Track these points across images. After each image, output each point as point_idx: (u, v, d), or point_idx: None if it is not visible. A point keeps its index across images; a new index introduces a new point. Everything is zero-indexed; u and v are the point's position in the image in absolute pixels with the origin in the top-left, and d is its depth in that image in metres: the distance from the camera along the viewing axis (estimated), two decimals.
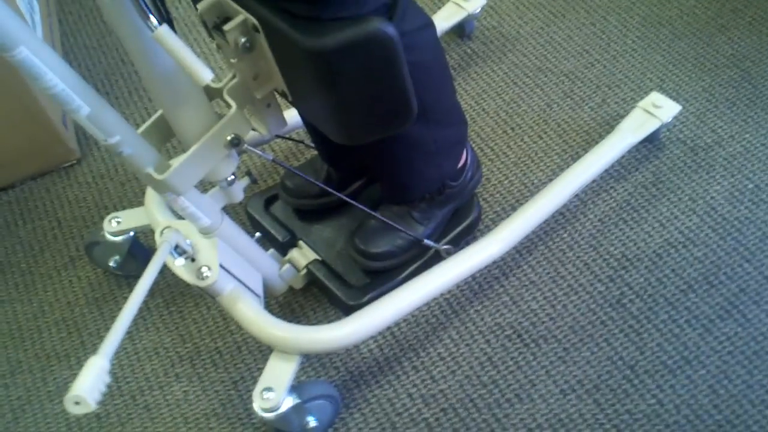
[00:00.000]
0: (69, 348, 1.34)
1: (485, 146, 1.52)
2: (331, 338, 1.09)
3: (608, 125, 1.51)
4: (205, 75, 0.78)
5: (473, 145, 1.51)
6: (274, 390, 1.05)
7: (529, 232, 1.26)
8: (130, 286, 1.37)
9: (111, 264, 1.34)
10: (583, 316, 1.27)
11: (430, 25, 1.00)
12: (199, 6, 0.90)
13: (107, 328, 1.34)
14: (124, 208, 1.48)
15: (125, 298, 1.35)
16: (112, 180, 1.57)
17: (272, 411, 1.04)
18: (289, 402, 1.06)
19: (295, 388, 1.09)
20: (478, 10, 1.65)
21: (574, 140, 1.51)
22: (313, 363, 1.27)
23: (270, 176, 1.52)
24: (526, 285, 1.32)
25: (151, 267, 0.99)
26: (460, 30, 1.70)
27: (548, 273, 1.33)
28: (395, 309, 1.13)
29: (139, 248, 1.34)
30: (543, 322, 1.27)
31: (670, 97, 1.48)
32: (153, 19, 0.77)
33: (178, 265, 1.05)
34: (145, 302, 1.34)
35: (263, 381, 1.06)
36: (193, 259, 1.06)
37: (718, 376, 1.18)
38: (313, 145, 1.35)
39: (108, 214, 1.29)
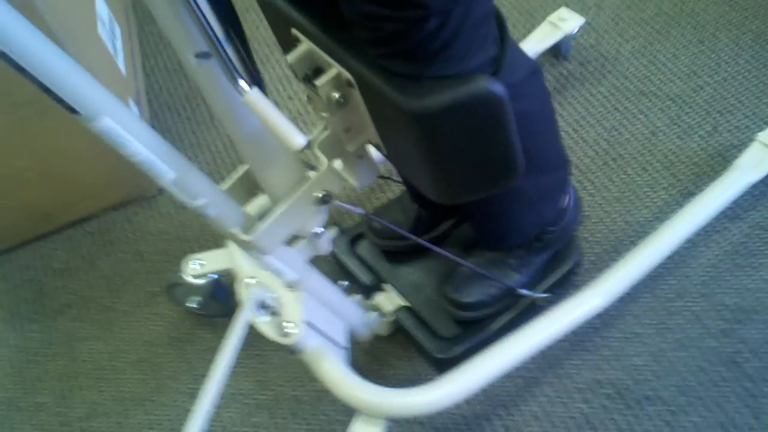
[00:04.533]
0: (145, 391, 1.31)
1: (584, 179, 1.41)
2: (420, 403, 1.02)
3: (720, 156, 1.39)
4: (298, 141, 0.72)
5: (571, 178, 1.41)
6: None
7: (634, 283, 1.16)
8: (212, 326, 1.34)
9: (193, 304, 1.30)
10: (692, 374, 1.16)
11: (538, 71, 0.91)
12: (289, 57, 0.84)
13: (185, 371, 1.31)
14: (205, 240, 1.45)
15: (204, 339, 1.33)
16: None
17: None
18: None
19: None
20: (575, 30, 1.55)
21: (682, 173, 1.39)
22: None
23: (353, 215, 1.46)
24: (629, 337, 1.21)
25: (234, 332, 0.95)
26: (556, 50, 1.60)
27: (654, 324, 1.22)
28: (489, 371, 1.05)
29: (221, 289, 1.29)
30: (647, 381, 1.17)
31: None
32: (243, 83, 0.71)
33: (262, 322, 1.00)
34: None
35: None
36: (275, 314, 1.01)
37: None
38: (401, 180, 1.28)
39: (190, 247, 1.25)
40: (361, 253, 1.29)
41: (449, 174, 0.84)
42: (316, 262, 1.35)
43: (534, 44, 1.51)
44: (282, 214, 0.87)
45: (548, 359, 1.22)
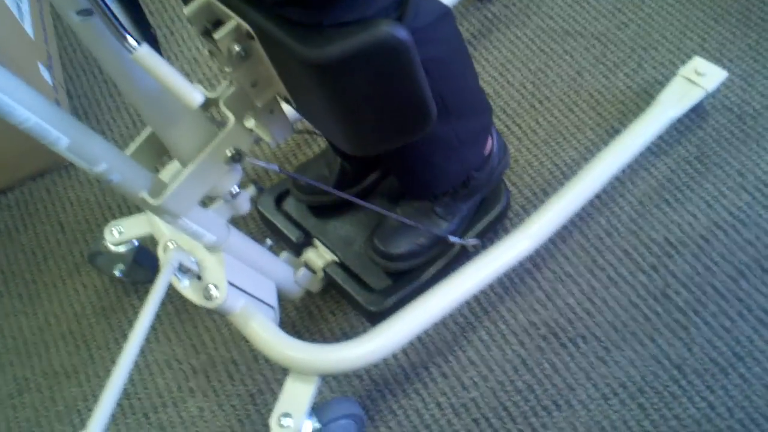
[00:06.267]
0: (77, 363, 1.27)
1: (511, 123, 1.40)
2: (352, 357, 1.01)
3: (645, 93, 1.39)
4: (195, 98, 0.69)
5: (498, 122, 1.40)
6: (292, 415, 0.98)
7: (563, 223, 1.16)
8: (138, 293, 1.31)
9: (116, 272, 1.26)
10: (625, 310, 1.17)
11: (448, 14, 0.88)
12: (186, 9, 0.80)
13: (115, 340, 1.28)
14: (128, 208, 1.40)
15: (133, 306, 1.30)
16: None
17: None
18: (308, 427, 0.99)
19: (316, 409, 1.01)
20: None
21: (608, 112, 1.39)
22: None
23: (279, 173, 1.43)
24: (562, 278, 1.22)
25: (152, 296, 0.92)
26: None
27: (585, 263, 1.23)
28: (421, 320, 1.04)
29: (145, 255, 1.26)
30: (581, 319, 1.18)
31: (713, 59, 1.35)
32: (131, 40, 0.66)
33: (184, 287, 0.97)
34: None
35: (280, 406, 0.99)
36: (199, 278, 0.98)
37: None
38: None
39: (112, 214, 1.20)
40: (288, 209, 1.26)
41: (358, 125, 0.81)
42: (243, 222, 1.33)
43: None
44: (190, 175, 0.83)
45: (482, 305, 1.22)
